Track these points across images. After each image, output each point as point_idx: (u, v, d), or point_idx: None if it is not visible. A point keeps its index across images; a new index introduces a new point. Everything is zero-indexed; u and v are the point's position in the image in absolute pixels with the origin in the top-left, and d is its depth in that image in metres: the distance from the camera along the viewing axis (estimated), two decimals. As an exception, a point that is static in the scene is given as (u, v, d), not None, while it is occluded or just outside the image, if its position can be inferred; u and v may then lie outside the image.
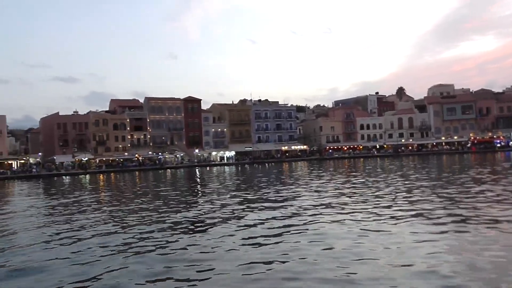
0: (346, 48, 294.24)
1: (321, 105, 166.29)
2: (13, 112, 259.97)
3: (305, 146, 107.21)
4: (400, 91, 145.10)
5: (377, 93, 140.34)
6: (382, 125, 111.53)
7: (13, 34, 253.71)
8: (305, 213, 17.64)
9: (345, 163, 75.95)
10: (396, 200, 20.45)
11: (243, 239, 13.09)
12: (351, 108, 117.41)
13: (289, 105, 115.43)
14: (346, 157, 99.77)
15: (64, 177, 69.25)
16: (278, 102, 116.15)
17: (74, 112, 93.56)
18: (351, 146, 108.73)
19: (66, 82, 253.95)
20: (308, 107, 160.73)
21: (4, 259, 11.96)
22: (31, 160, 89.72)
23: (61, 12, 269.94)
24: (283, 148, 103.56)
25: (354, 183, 30.67)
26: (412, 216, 15.58)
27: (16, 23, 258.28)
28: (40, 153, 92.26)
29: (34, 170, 76.76)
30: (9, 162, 79.44)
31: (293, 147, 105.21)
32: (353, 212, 17.06)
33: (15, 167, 78.44)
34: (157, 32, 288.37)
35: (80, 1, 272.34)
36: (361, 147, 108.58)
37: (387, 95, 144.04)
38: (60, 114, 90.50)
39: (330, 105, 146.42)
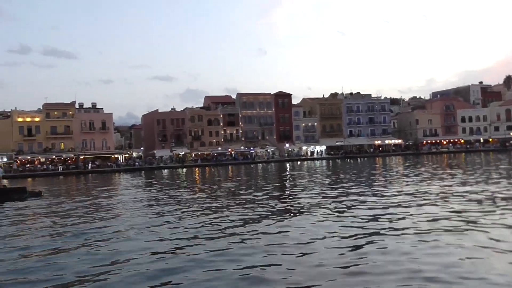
0: (445, 35, 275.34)
1: (417, 97, 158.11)
2: (117, 110, 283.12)
3: (399, 140, 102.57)
4: (509, 79, 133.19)
5: (481, 82, 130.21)
6: (487, 117, 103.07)
7: (117, 38, 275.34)
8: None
9: (444, 157, 71.31)
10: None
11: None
12: (451, 100, 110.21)
13: (382, 97, 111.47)
14: (444, 151, 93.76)
15: (163, 170, 73.50)
16: (370, 95, 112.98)
17: (171, 109, 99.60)
18: (451, 140, 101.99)
19: (164, 81, 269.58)
20: (403, 100, 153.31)
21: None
22: (134, 154, 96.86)
23: (159, 16, 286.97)
24: (376, 142, 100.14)
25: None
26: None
27: (119, 28, 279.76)
28: (142, 148, 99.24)
29: (137, 163, 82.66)
30: (116, 156, 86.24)
31: (386, 141, 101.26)
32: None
33: (121, 161, 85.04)
34: (246, 28, 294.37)
35: (175, 4, 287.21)
36: (462, 141, 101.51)
37: (492, 85, 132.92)
38: (159, 111, 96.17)
39: (427, 97, 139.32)
